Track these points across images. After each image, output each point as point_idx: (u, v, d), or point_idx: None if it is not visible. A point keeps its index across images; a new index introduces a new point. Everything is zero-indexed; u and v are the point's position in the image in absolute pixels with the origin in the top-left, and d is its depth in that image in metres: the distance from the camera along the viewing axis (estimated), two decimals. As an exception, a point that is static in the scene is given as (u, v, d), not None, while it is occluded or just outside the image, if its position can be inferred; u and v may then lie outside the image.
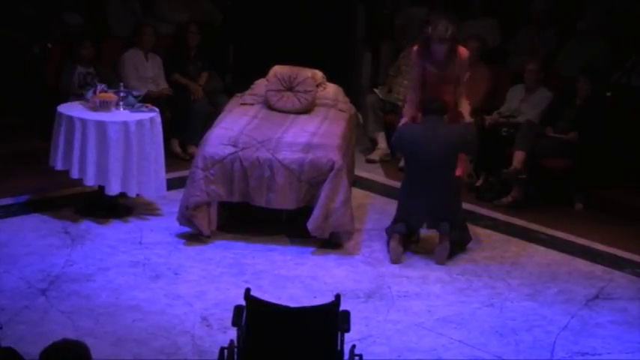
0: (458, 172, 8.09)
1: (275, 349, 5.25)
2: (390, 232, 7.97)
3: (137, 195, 8.41)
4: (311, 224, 7.86)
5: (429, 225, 7.97)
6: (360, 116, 9.50)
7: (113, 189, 8.17)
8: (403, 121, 8.24)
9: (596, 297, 7.44)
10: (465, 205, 8.64)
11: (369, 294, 7.27)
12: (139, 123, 8.23)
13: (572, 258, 8.14)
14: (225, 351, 5.26)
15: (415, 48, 8.24)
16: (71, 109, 8.38)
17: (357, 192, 9.11)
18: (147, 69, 10.01)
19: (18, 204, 8.56)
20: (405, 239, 7.99)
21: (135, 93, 8.64)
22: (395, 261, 7.82)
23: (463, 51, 8.21)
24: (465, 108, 8.27)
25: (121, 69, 9.91)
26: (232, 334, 5.51)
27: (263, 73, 9.14)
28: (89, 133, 8.11)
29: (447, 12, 8.24)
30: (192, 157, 8.74)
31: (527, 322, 6.97)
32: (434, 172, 7.82)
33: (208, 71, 10.31)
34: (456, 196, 8.04)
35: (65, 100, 8.74)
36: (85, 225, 8.17)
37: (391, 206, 8.28)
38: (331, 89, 9.17)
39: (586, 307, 7.25)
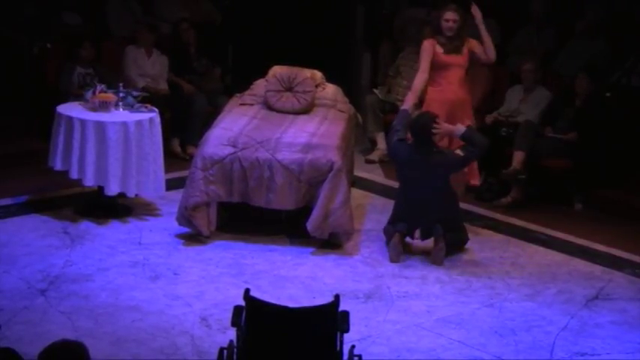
0: (473, 181, 8.47)
1: (274, 349, 5.25)
2: (390, 231, 7.97)
3: (136, 195, 8.42)
4: (310, 224, 7.85)
5: (423, 234, 7.96)
6: (359, 116, 9.50)
7: (112, 189, 8.17)
8: (405, 106, 8.33)
9: (596, 297, 7.44)
10: (464, 206, 8.64)
11: (368, 294, 7.27)
12: (138, 123, 8.23)
13: (571, 258, 8.14)
14: (225, 351, 5.26)
15: (428, 40, 8.46)
16: (70, 109, 8.38)
17: (356, 192, 9.11)
18: (147, 66, 10.03)
19: (17, 204, 8.56)
20: (404, 240, 8.00)
21: (134, 93, 8.64)
22: (394, 260, 7.81)
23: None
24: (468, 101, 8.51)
25: (123, 60, 9.97)
26: (232, 334, 5.52)
27: (262, 74, 9.14)
28: (88, 133, 8.11)
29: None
30: (191, 157, 8.75)
31: (526, 322, 6.97)
32: (428, 188, 7.82)
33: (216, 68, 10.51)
34: (452, 200, 8.03)
35: (65, 101, 8.75)
36: (85, 225, 8.16)
37: (390, 206, 8.27)
38: (330, 89, 9.17)
39: (585, 308, 7.25)
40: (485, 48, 8.49)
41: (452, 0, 8.53)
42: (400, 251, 7.87)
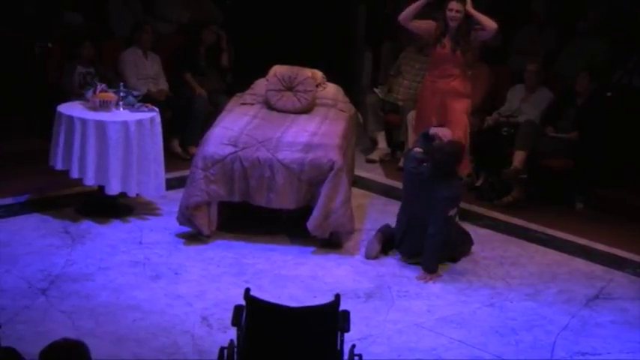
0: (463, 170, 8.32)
1: (275, 348, 5.25)
2: (378, 229, 7.96)
3: (137, 195, 8.41)
4: (311, 224, 7.85)
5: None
6: (360, 116, 9.50)
7: (113, 189, 8.17)
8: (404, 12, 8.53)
9: (597, 297, 7.44)
10: (465, 205, 8.64)
11: (369, 294, 7.27)
12: (139, 123, 8.23)
13: (572, 258, 8.14)
14: (225, 351, 5.27)
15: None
16: (71, 108, 8.38)
17: (356, 192, 9.11)
18: (147, 67, 10.02)
19: (18, 204, 8.55)
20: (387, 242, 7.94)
21: (135, 93, 8.64)
22: (368, 256, 7.79)
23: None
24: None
25: (121, 67, 9.91)
26: (232, 333, 5.52)
27: (263, 73, 9.14)
28: (89, 132, 8.11)
29: None
30: (192, 156, 8.74)
31: (527, 321, 6.97)
32: (426, 217, 7.64)
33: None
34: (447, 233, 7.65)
35: (66, 100, 8.75)
36: (86, 225, 8.17)
37: (391, 206, 8.28)
38: (331, 89, 9.17)
39: (586, 307, 7.25)
40: (481, 22, 8.48)
41: None
42: (376, 248, 7.84)
